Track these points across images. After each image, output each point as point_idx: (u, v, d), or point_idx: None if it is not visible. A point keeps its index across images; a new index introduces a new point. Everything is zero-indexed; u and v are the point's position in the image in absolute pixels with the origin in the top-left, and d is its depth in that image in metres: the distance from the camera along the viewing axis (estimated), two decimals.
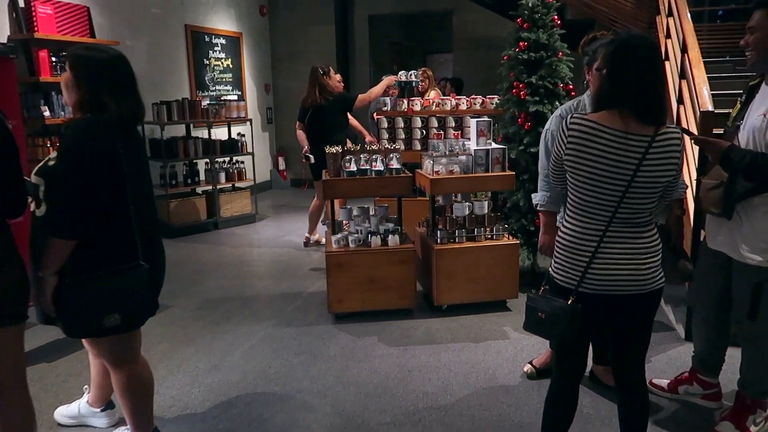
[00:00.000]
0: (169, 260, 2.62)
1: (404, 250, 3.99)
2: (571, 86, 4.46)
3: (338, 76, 6.13)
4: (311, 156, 5.38)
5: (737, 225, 2.37)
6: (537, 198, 2.79)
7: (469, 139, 4.33)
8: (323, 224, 6.04)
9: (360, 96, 5.43)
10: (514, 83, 4.41)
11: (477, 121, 4.09)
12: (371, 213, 4.36)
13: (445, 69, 10.89)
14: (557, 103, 4.42)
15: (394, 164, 4.04)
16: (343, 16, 9.05)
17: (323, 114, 5.34)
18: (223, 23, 8.35)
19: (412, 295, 4.04)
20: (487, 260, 4.02)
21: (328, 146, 4.17)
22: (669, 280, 2.07)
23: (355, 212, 4.35)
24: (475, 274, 4.02)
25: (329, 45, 9.12)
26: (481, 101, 5.71)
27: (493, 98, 5.56)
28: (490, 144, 4.10)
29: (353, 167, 3.99)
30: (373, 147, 4.26)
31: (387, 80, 5.59)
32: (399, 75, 5.85)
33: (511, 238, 4.15)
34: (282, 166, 9.63)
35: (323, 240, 5.94)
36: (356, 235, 4.06)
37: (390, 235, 4.03)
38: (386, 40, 10.39)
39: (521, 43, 4.36)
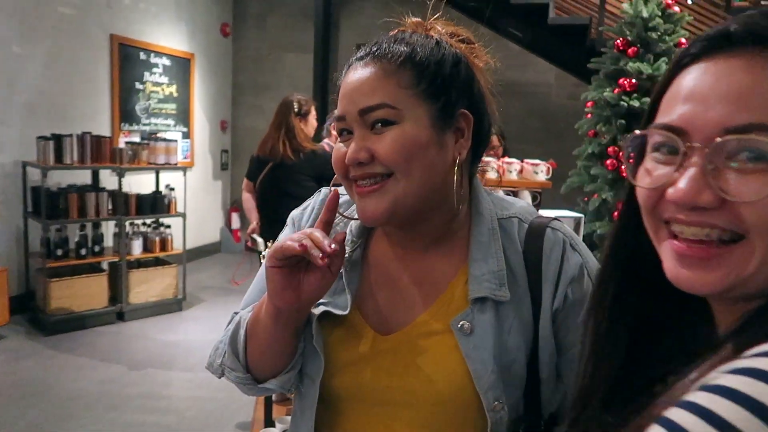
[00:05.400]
0: None
1: None
2: None
3: None
4: (259, 240, 3.38)
5: None
6: None
7: None
8: None
9: None
10: (609, 149, 2.56)
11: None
12: None
13: None
14: None
15: None
16: (325, 43, 7.23)
17: (286, 177, 3.37)
18: (169, 39, 6.44)
19: None
20: None
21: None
22: None
23: None
24: None
25: (306, 77, 7.26)
26: (518, 168, 3.84)
27: (537, 164, 3.70)
28: None
29: None
30: None
31: None
32: None
33: None
34: (236, 224, 7.61)
35: None
36: None
37: None
38: None
39: (624, 81, 2.52)
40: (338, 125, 0.83)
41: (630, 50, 2.53)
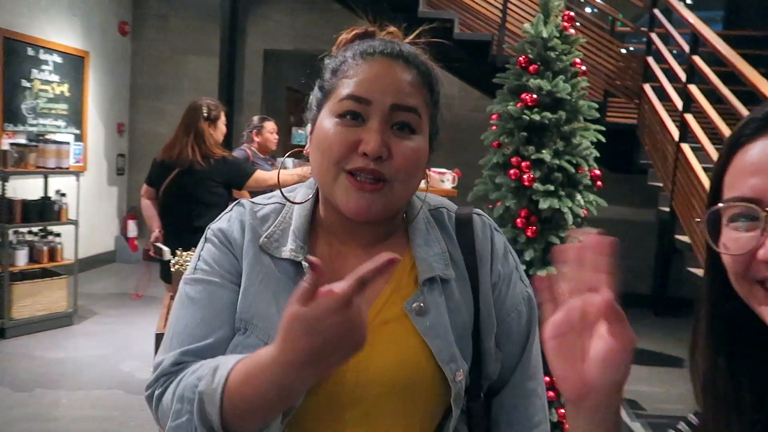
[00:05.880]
0: None
1: None
2: (598, 172, 2.80)
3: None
4: (165, 248, 3.20)
5: None
6: None
7: None
8: None
9: (259, 175, 3.30)
10: (512, 159, 2.68)
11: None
12: None
13: None
14: (578, 197, 2.72)
15: None
16: (231, 47, 7.06)
17: (195, 183, 3.22)
18: (60, 35, 6.03)
19: None
20: None
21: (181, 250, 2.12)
22: None
23: None
24: None
25: (209, 81, 7.06)
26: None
27: (443, 173, 3.82)
28: None
29: None
30: None
31: (304, 170, 3.66)
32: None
33: None
34: (133, 232, 7.23)
35: None
36: None
37: None
38: (283, 83, 8.48)
39: (526, 96, 2.66)
40: (350, 105, 0.80)
41: (531, 67, 2.68)
